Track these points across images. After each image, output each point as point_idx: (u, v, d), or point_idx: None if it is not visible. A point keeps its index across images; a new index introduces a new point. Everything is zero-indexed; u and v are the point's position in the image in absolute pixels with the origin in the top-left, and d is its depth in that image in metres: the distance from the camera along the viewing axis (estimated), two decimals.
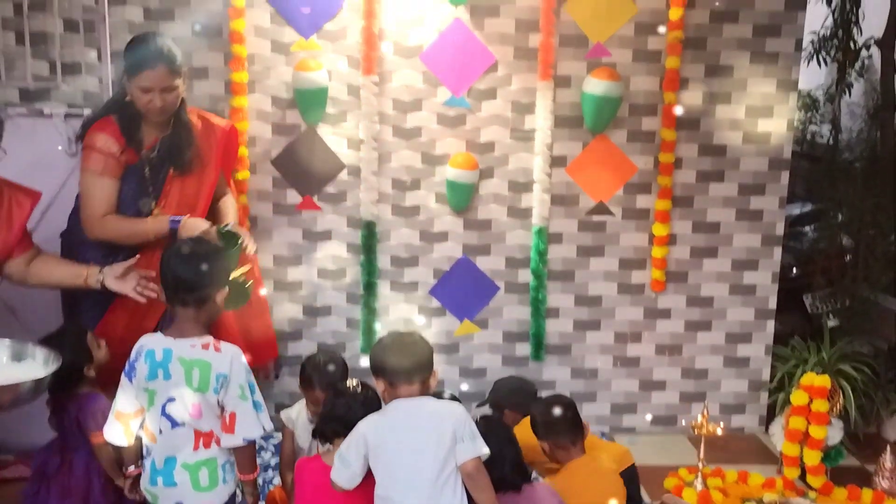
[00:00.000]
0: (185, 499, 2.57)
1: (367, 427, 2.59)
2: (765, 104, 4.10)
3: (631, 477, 3.13)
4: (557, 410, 3.04)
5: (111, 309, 3.17)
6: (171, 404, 2.53)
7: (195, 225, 3.14)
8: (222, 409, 2.55)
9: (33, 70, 3.74)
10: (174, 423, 2.55)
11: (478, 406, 3.67)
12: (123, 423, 2.60)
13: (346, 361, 3.28)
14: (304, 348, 4.18)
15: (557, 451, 3.03)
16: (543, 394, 4.22)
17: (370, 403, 2.76)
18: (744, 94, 4.08)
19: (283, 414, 3.29)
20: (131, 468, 2.67)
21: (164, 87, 3.08)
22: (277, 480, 3.66)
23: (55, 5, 3.67)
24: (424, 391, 2.65)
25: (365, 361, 4.14)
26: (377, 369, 2.69)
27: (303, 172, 4.04)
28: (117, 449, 2.71)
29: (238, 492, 2.72)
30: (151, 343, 2.57)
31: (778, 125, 4.13)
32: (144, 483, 2.63)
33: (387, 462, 2.54)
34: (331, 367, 3.19)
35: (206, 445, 2.57)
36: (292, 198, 4.07)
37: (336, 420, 2.74)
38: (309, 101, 3.90)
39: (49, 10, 3.68)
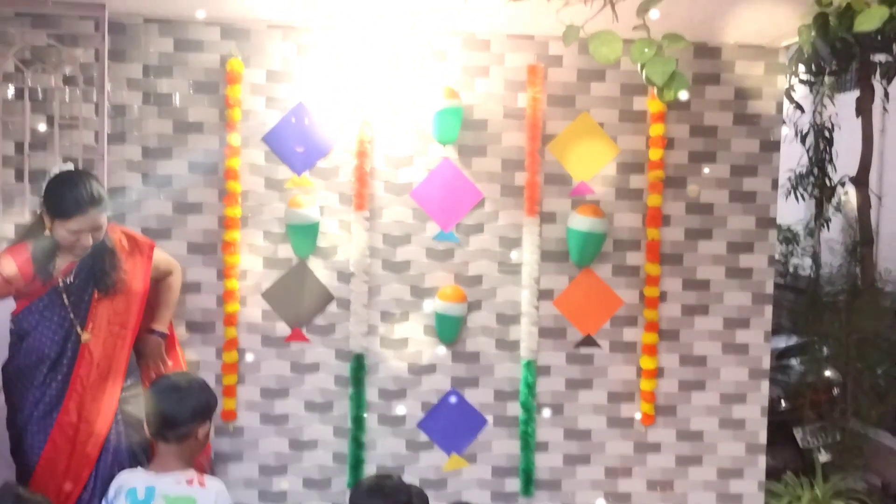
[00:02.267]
0: None
1: None
2: (745, 240, 4.21)
3: None
4: None
5: (51, 439, 3.11)
6: None
7: None
8: None
9: (31, 206, 3.81)
10: None
11: None
12: None
13: None
14: (289, 484, 4.10)
15: None
16: None
17: None
18: (724, 231, 4.20)
19: None
20: None
21: (94, 227, 3.11)
22: None
23: (56, 144, 3.79)
24: None
25: None
26: None
27: (293, 305, 4.08)
28: None
29: None
30: (132, 480, 2.53)
31: (759, 261, 4.22)
32: None
33: None
34: None
35: None
36: (281, 330, 4.09)
37: None
38: (301, 235, 3.99)
39: (50, 149, 3.80)
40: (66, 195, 3.06)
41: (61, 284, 3.17)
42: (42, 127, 3.79)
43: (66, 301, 3.17)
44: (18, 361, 3.18)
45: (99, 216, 3.11)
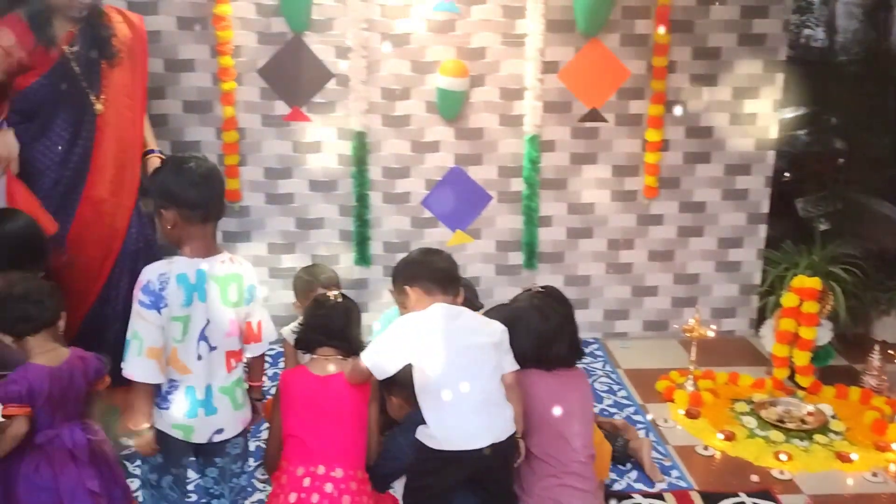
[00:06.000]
0: (225, 424, 2.43)
1: (416, 322, 2.55)
2: (760, 4, 4.01)
3: None
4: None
5: (79, 214, 3.08)
6: (209, 327, 2.37)
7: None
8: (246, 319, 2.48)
9: None
10: (211, 348, 2.38)
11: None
12: (158, 358, 2.32)
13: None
14: (297, 261, 4.18)
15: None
16: None
17: (350, 313, 2.76)
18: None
19: (285, 330, 3.27)
20: (144, 425, 2.34)
21: None
22: (274, 391, 3.70)
23: None
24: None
25: (359, 273, 4.18)
26: (411, 276, 2.62)
27: (290, 82, 3.96)
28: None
29: None
30: (178, 268, 2.35)
31: (773, 26, 4.05)
32: (175, 419, 2.38)
33: (445, 359, 2.49)
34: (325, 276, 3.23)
35: (235, 364, 2.45)
36: (280, 109, 4.01)
37: (318, 329, 2.72)
38: (295, 7, 3.80)
39: None
40: None
41: (68, 53, 3.01)
42: None
43: (76, 70, 3.02)
44: (27, 141, 3.03)
45: None
